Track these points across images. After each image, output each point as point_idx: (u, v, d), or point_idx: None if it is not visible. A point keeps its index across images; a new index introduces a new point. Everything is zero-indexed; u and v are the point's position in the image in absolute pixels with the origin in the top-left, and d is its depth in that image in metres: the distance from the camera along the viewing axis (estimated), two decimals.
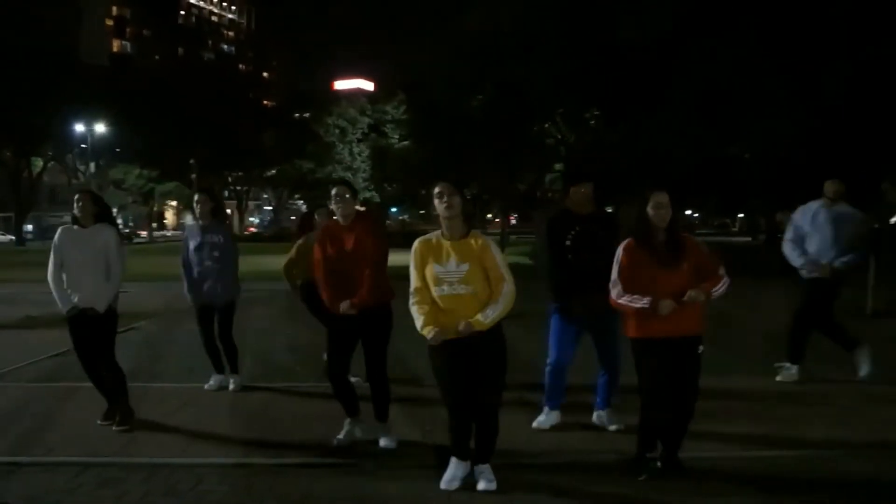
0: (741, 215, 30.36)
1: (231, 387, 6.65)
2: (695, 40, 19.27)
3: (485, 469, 4.40)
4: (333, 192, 5.15)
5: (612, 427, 5.41)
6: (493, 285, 4.38)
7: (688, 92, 19.34)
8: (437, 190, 4.44)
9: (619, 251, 4.56)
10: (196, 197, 6.74)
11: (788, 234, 6.76)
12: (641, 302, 4.38)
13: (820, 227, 6.48)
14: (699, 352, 4.50)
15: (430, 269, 4.40)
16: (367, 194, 42.07)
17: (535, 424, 5.49)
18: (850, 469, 4.58)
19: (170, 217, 74.89)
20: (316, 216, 6.98)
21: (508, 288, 4.38)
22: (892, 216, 23.70)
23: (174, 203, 66.49)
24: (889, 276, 11.19)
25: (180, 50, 66.42)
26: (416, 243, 4.50)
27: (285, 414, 5.96)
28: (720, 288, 4.43)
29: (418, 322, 4.38)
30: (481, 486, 4.34)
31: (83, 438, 5.21)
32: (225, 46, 73.63)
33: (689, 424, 4.50)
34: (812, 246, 6.53)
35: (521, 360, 5.57)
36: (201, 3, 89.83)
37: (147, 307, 12.31)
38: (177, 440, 5.21)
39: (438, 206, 4.43)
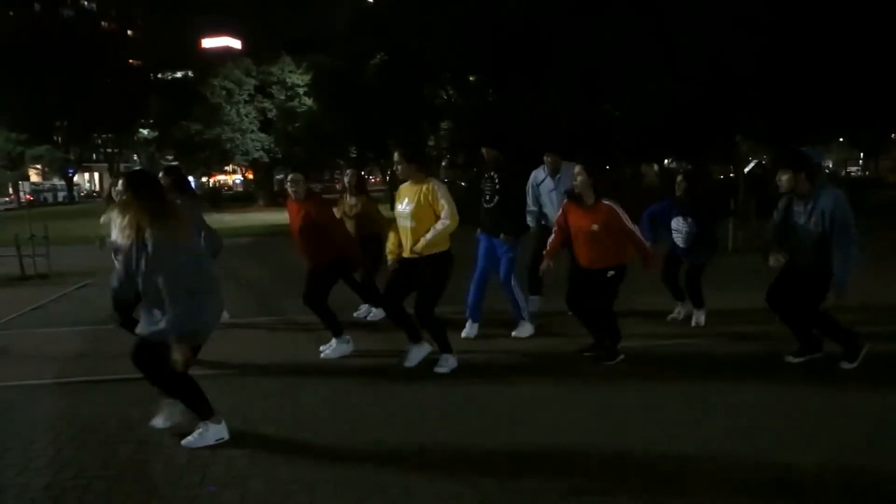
0: (608, 167, 33.03)
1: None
2: (572, 18, 21.71)
3: (413, 347, 6.23)
4: (290, 177, 6.83)
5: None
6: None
7: (569, 63, 21.72)
8: (395, 157, 5.91)
9: (564, 202, 6.51)
10: None
11: None
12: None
13: None
14: (608, 276, 6.18)
15: (396, 208, 5.95)
16: (256, 154, 42.66)
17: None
18: None
19: (36, 181, 71.45)
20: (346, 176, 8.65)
21: (441, 224, 5.70)
22: (746, 165, 27.12)
23: (39, 167, 63.83)
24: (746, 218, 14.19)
25: (36, 6, 63.06)
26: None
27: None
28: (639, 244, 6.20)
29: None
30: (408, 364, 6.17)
31: None
32: (86, 3, 70.17)
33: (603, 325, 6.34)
34: None
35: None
36: None
37: (85, 267, 13.80)
38: None
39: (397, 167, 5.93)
